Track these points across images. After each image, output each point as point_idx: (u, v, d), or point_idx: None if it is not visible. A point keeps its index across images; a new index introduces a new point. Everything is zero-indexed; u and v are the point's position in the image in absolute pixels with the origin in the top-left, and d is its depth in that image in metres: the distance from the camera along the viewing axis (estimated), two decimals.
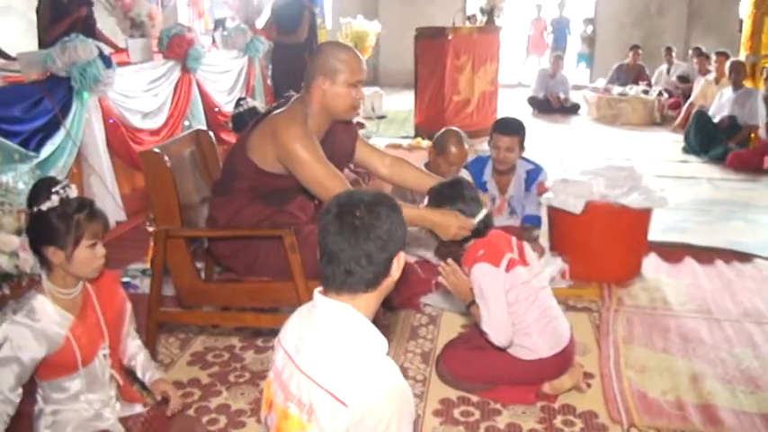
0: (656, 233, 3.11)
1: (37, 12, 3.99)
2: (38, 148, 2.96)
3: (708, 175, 4.87)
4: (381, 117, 7.05)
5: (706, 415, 1.91)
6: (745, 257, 3.15)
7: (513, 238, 2.01)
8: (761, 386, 2.06)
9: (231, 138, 4.40)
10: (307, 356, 1.13)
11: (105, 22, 4.45)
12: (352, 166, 2.85)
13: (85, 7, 3.95)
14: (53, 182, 1.51)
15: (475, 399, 1.98)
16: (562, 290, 2.64)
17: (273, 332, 1.29)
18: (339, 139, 2.06)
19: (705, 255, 3.16)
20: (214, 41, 5.47)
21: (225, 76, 5.15)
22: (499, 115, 5.15)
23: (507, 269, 1.88)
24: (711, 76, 6.46)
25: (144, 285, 2.63)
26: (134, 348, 1.76)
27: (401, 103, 7.87)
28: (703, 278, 2.92)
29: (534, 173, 3.06)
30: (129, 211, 3.62)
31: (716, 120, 5.55)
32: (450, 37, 5.87)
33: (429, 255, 2.79)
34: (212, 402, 1.98)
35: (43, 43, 3.80)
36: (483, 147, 3.75)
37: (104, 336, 1.61)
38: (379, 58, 10.07)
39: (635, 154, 5.46)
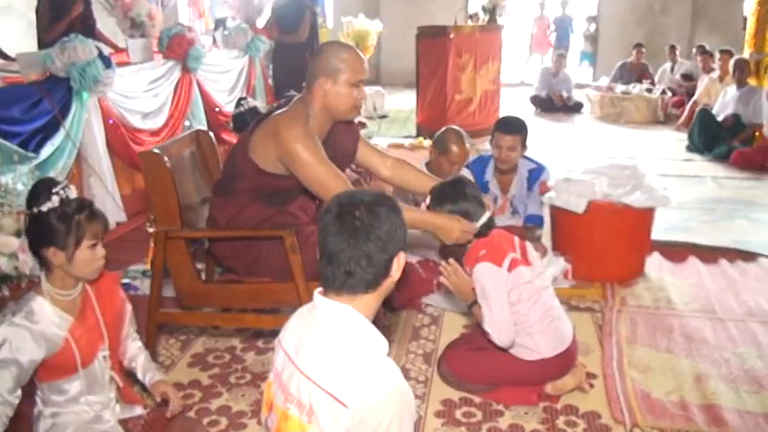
0: (659, 232, 3.09)
1: (36, 12, 3.99)
2: (37, 149, 2.96)
3: (712, 173, 4.85)
4: (383, 116, 7.04)
5: (710, 415, 1.90)
6: (749, 256, 3.13)
7: (516, 238, 2.01)
8: (765, 386, 2.05)
9: (232, 138, 4.40)
10: (306, 357, 1.13)
11: (105, 22, 4.45)
12: (353, 166, 2.84)
13: (81, 3, 3.94)
14: (53, 183, 1.51)
15: (477, 399, 1.97)
16: (565, 290, 2.64)
17: (274, 333, 1.29)
18: (341, 140, 2.06)
19: (709, 254, 3.14)
20: (215, 41, 5.47)
21: (225, 76, 5.14)
22: (501, 114, 5.13)
23: (509, 269, 1.87)
24: (715, 74, 6.43)
25: (144, 287, 2.62)
26: (134, 350, 1.76)
27: (403, 103, 7.86)
28: (707, 277, 2.90)
29: (536, 172, 3.05)
30: (129, 211, 3.61)
31: (720, 118, 5.51)
32: (451, 36, 5.85)
33: (432, 254, 2.78)
34: (213, 404, 1.97)
35: (43, 44, 3.79)
36: (485, 146, 3.74)
37: (104, 337, 1.60)
38: (381, 58, 10.05)
39: (638, 153, 5.44)
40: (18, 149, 2.80)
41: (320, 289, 1.19)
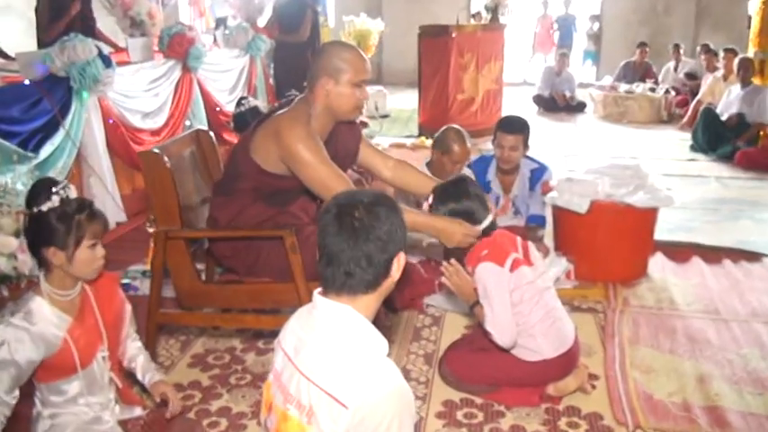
0: (662, 232, 3.08)
1: (36, 11, 3.98)
2: (37, 149, 2.95)
3: (716, 173, 4.82)
4: (385, 116, 7.02)
5: (713, 416, 1.88)
6: (753, 257, 3.11)
7: (518, 238, 2.00)
8: None
9: (233, 138, 4.39)
10: (306, 358, 1.13)
11: (105, 21, 4.44)
12: (354, 166, 2.84)
13: (79, 2, 3.93)
14: (53, 182, 1.51)
15: (478, 401, 1.96)
16: (567, 290, 2.63)
17: (275, 334, 1.28)
18: (343, 140, 2.05)
19: (712, 254, 3.12)
20: (215, 40, 5.46)
21: (226, 76, 5.13)
22: (504, 114, 5.12)
23: (512, 269, 1.86)
24: (719, 74, 6.40)
25: (144, 287, 2.62)
26: (134, 350, 1.76)
27: (405, 102, 7.84)
28: (711, 278, 2.89)
29: (539, 172, 3.03)
30: (129, 212, 3.61)
31: (724, 117, 5.49)
32: (453, 35, 5.84)
33: (433, 253, 2.77)
34: (213, 405, 1.97)
35: (42, 43, 3.78)
36: (487, 146, 3.73)
37: (103, 338, 1.60)
38: (383, 57, 10.04)
39: (642, 152, 5.42)
40: (17, 149, 2.80)
41: (320, 289, 1.19)
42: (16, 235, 2.14)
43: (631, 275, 2.84)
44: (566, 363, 1.94)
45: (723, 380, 2.07)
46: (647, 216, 2.78)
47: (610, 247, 2.74)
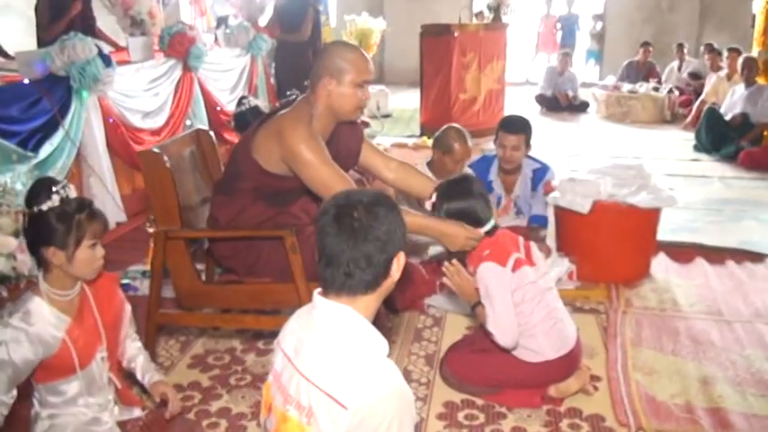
0: (666, 233, 3.07)
1: (35, 10, 3.98)
2: (36, 149, 2.95)
3: (719, 173, 4.80)
4: (386, 116, 7.01)
5: (716, 418, 1.87)
6: (757, 257, 3.10)
7: (520, 238, 1.99)
8: None
9: (233, 137, 4.38)
10: (306, 359, 1.13)
11: (105, 20, 4.43)
12: (356, 166, 2.83)
13: (80, 1, 3.92)
14: (53, 182, 1.50)
15: (479, 402, 1.95)
16: (569, 291, 2.61)
17: (275, 334, 1.28)
18: (344, 140, 2.05)
19: (716, 255, 3.11)
20: (216, 39, 5.45)
21: (227, 75, 5.12)
22: (506, 114, 5.11)
23: (514, 269, 1.85)
24: (723, 73, 6.37)
25: (144, 287, 2.62)
26: (134, 350, 1.75)
27: (406, 102, 7.82)
28: (714, 279, 2.88)
29: (541, 172, 3.02)
30: (129, 212, 3.60)
31: (728, 117, 5.46)
32: (456, 34, 5.82)
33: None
34: (213, 406, 1.96)
35: (42, 42, 3.77)
36: (489, 146, 3.72)
37: (102, 338, 1.60)
38: (384, 56, 10.03)
39: (645, 152, 5.40)
40: (17, 149, 2.80)
41: (320, 290, 1.18)
42: (15, 235, 2.14)
43: (634, 276, 2.82)
44: (567, 364, 1.93)
45: (726, 381, 2.06)
46: (650, 216, 2.76)
47: (612, 247, 2.73)
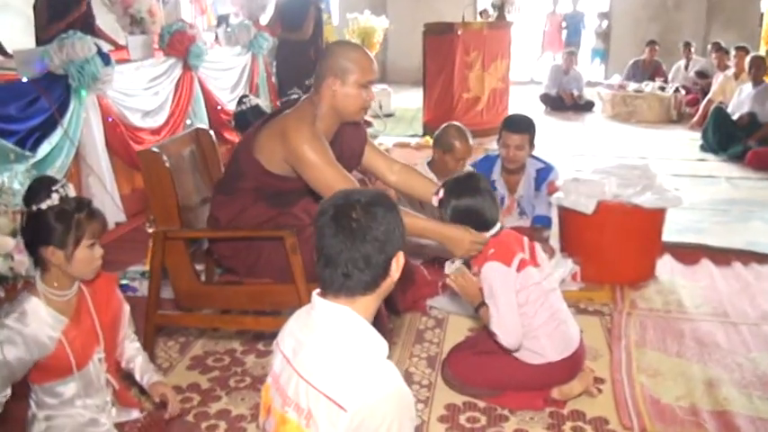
0: (671, 234, 3.04)
1: (34, 9, 3.98)
2: (34, 148, 2.94)
3: (726, 173, 4.76)
4: (389, 115, 6.98)
5: (721, 421, 1.85)
6: (763, 259, 3.06)
7: (525, 238, 1.97)
8: None
9: (234, 137, 4.38)
10: (305, 360, 1.12)
11: (105, 18, 4.42)
12: (358, 167, 2.82)
13: (84, 6, 3.91)
14: (52, 180, 1.50)
15: (481, 404, 1.94)
16: (573, 292, 2.59)
17: (275, 335, 1.27)
18: (348, 141, 2.04)
19: (722, 256, 3.08)
20: (217, 38, 5.43)
21: (228, 74, 5.11)
22: (510, 113, 5.08)
23: (518, 269, 1.83)
24: (731, 72, 6.31)
25: (143, 288, 2.60)
26: (132, 351, 1.75)
27: (409, 101, 7.80)
28: (720, 280, 2.85)
29: (544, 172, 3.00)
30: (128, 212, 3.59)
31: (735, 117, 5.42)
32: (459, 32, 5.79)
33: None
34: (212, 408, 1.94)
35: (41, 41, 3.77)
36: (493, 145, 3.69)
37: (99, 339, 1.59)
38: (387, 55, 10.01)
39: (651, 152, 5.37)
40: (14, 148, 2.79)
41: (319, 290, 1.18)
42: (13, 235, 2.14)
43: (639, 277, 2.80)
44: (571, 366, 1.91)
45: (732, 384, 2.03)
46: (655, 217, 2.74)
47: (617, 248, 2.70)
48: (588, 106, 7.56)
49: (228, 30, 5.39)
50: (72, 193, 1.50)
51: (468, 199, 1.86)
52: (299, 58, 4.88)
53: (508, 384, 1.92)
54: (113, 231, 3.37)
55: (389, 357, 1.13)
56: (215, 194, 2.08)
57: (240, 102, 3.08)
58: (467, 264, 1.92)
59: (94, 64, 3.14)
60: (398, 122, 6.87)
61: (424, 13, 8.39)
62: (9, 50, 3.69)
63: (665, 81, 7.43)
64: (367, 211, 1.13)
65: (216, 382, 2.08)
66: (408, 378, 2.06)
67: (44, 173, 2.79)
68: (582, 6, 10.12)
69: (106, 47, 3.65)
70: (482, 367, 1.96)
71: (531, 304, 1.85)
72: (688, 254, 3.08)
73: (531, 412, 1.90)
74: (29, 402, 1.56)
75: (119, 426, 1.64)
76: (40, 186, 1.47)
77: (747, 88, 5.46)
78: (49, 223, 1.44)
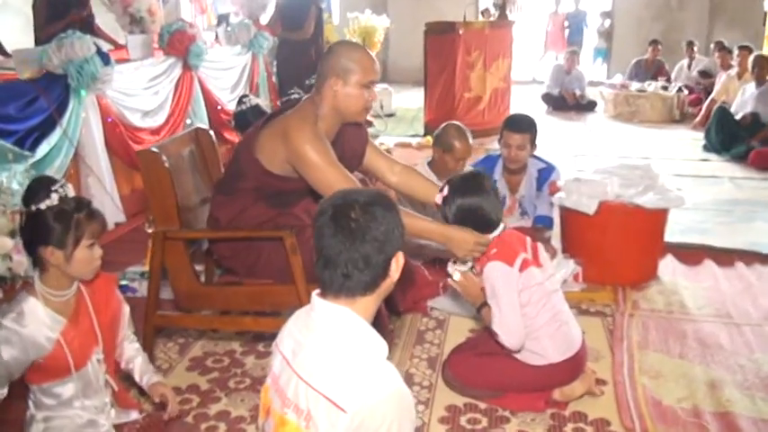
0: (674, 234, 3.03)
1: (33, 8, 3.97)
2: (33, 148, 2.93)
3: (729, 174, 4.74)
4: (390, 115, 6.97)
5: (724, 423, 1.84)
6: (767, 259, 3.04)
7: (528, 238, 1.96)
8: None
9: (234, 137, 4.36)
10: (304, 361, 1.11)
11: (104, 18, 4.40)
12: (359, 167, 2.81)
13: (83, 9, 3.90)
14: (51, 180, 1.50)
15: (482, 406, 1.93)
16: (575, 293, 2.58)
17: (274, 336, 1.26)
18: (349, 141, 2.03)
19: (725, 256, 3.06)
20: (217, 37, 5.41)
21: (228, 73, 5.09)
22: (512, 113, 5.07)
23: (521, 269, 1.82)
24: (734, 72, 6.29)
25: (143, 288, 2.60)
26: (132, 351, 1.75)
27: (410, 101, 7.80)
28: (723, 281, 2.83)
29: (546, 172, 2.99)
30: (128, 212, 3.57)
31: (738, 116, 5.40)
32: (460, 32, 5.78)
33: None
34: (211, 409, 1.94)
35: (40, 41, 3.75)
36: (494, 146, 3.68)
37: (98, 340, 1.59)
38: (388, 54, 10.00)
39: (653, 152, 5.35)
40: (13, 148, 2.79)
41: (318, 291, 1.17)
42: (11, 235, 2.14)
43: (641, 278, 2.79)
44: (572, 367, 1.90)
45: (735, 385, 2.02)
46: (658, 217, 2.73)
47: (619, 249, 2.69)
48: (590, 106, 7.54)
49: (229, 29, 5.37)
50: (71, 193, 1.50)
51: (473, 197, 1.85)
52: (300, 57, 4.87)
53: (509, 386, 1.91)
54: (113, 232, 3.36)
55: (390, 358, 1.13)
56: (215, 194, 2.07)
57: (240, 101, 3.07)
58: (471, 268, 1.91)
59: (94, 63, 3.13)
60: (399, 122, 6.85)
61: (425, 12, 8.37)
62: (8, 50, 3.67)
63: (668, 81, 7.41)
64: (366, 210, 1.13)
65: (215, 383, 2.07)
66: (409, 379, 2.05)
67: (43, 173, 2.80)
68: (584, 5, 10.09)
69: (105, 46, 3.64)
70: (483, 368, 1.95)
71: (533, 305, 1.84)
72: (690, 254, 3.07)
73: (533, 414, 1.89)
74: (27, 403, 1.55)
75: (118, 427, 1.64)
76: (40, 186, 1.47)
77: (751, 88, 5.44)
78: (48, 223, 1.44)
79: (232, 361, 2.20)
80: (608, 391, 2.00)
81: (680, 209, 2.84)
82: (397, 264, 1.17)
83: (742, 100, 5.50)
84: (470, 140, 2.84)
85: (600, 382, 2.03)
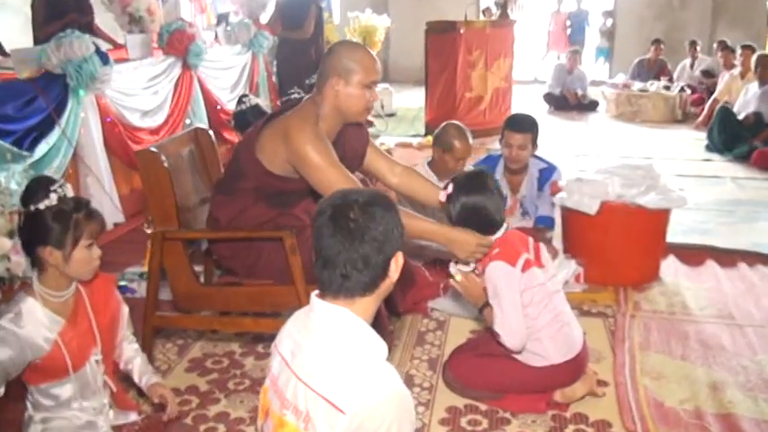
0: (676, 234, 3.02)
1: (32, 7, 3.96)
2: (31, 148, 2.92)
3: (732, 174, 4.72)
4: (390, 115, 6.97)
5: (726, 424, 1.83)
6: None
7: (530, 239, 1.95)
8: None
9: (233, 136, 4.36)
10: (303, 362, 1.11)
11: (103, 17, 4.39)
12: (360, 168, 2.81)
13: (84, 17, 3.90)
14: (49, 180, 1.50)
15: (483, 407, 1.92)
16: (576, 294, 2.57)
17: (274, 337, 1.26)
18: (350, 142, 2.03)
19: (727, 257, 3.05)
20: (216, 37, 5.40)
21: (228, 73, 5.08)
22: (513, 112, 5.06)
23: (523, 270, 1.81)
24: (737, 71, 6.27)
25: (142, 289, 2.59)
26: (131, 352, 1.74)
27: (411, 101, 7.79)
28: (725, 282, 2.82)
29: (547, 172, 2.98)
30: (127, 212, 3.57)
31: (741, 116, 5.38)
32: (462, 31, 5.76)
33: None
34: (211, 410, 1.93)
35: (38, 41, 3.73)
36: (496, 146, 3.67)
37: (97, 341, 1.58)
38: (389, 54, 9.99)
39: (655, 152, 5.33)
40: (11, 148, 2.78)
41: (317, 292, 1.17)
42: (10, 236, 2.13)
43: (643, 279, 2.78)
44: (573, 368, 1.89)
45: (737, 387, 2.01)
46: (659, 217, 2.72)
47: (620, 249, 2.68)
48: (592, 106, 7.52)
49: (228, 28, 5.36)
50: (70, 193, 1.50)
51: (477, 196, 1.84)
52: (300, 57, 4.86)
53: (510, 387, 1.91)
54: (112, 232, 3.35)
55: (389, 359, 1.12)
56: (215, 194, 2.07)
57: (240, 101, 3.06)
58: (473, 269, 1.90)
59: (93, 63, 3.12)
60: (400, 122, 6.85)
61: (425, 11, 8.36)
62: (7, 49, 3.67)
63: (670, 80, 7.39)
64: (365, 211, 1.12)
65: (214, 384, 2.06)
66: (409, 380, 2.05)
67: (42, 173, 2.79)
68: (586, 4, 10.07)
69: (104, 46, 3.63)
70: (484, 369, 1.94)
71: (534, 305, 1.83)
72: (693, 255, 3.06)
73: (534, 415, 1.88)
74: (25, 404, 1.55)
75: (116, 428, 1.63)
76: (38, 186, 1.47)
77: (753, 87, 5.42)
78: (46, 223, 1.44)
79: (231, 362, 2.19)
80: (609, 393, 1.99)
81: (682, 209, 2.83)
82: (397, 264, 1.16)
83: (745, 100, 5.48)
84: (470, 140, 2.83)
85: (601, 383, 2.02)
